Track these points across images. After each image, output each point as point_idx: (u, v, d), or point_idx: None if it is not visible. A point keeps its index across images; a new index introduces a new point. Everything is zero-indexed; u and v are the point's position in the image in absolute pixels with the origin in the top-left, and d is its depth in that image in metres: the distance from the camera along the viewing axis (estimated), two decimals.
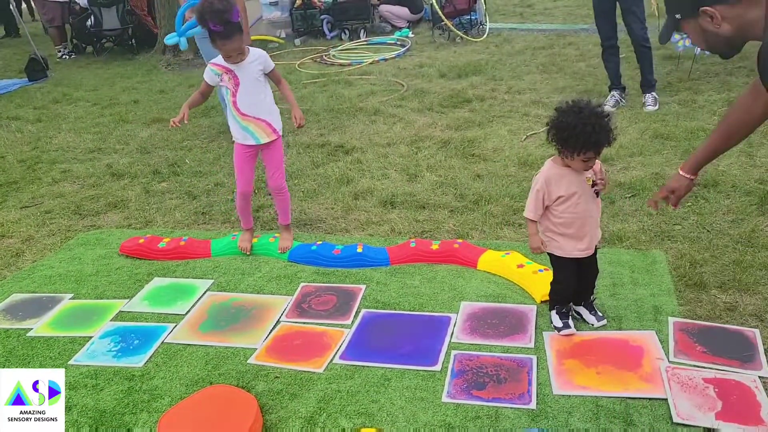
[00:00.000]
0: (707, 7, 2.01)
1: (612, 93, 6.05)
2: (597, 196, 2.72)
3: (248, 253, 3.81)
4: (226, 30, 3.29)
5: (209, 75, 3.53)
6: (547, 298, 3.11)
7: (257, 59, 3.51)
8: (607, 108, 5.83)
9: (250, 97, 3.51)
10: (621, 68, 6.10)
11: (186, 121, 3.57)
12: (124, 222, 4.49)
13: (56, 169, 5.58)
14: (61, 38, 11.37)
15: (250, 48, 3.53)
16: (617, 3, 5.65)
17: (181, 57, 10.02)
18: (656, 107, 5.80)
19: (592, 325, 2.92)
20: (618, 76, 6.05)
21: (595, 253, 2.84)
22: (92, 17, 10.85)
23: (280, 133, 3.69)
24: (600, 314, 2.95)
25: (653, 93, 5.96)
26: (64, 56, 11.07)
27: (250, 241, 3.85)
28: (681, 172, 2.61)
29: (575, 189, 2.64)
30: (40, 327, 3.25)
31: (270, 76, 3.61)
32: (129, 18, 10.94)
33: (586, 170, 2.62)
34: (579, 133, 2.47)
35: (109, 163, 5.64)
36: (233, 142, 3.73)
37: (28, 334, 3.20)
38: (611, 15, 5.77)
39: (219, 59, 3.48)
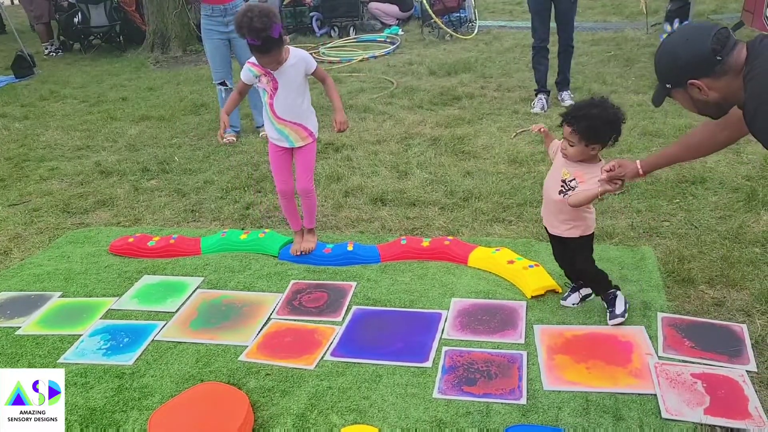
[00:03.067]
0: (694, 80, 2.13)
1: (539, 96, 6.17)
2: (560, 194, 2.75)
3: (298, 254, 3.66)
4: (264, 45, 3.14)
5: (246, 75, 3.39)
6: (537, 293, 3.14)
7: (298, 61, 3.34)
8: (536, 111, 6.03)
9: (288, 101, 3.37)
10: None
11: (227, 127, 3.50)
12: (112, 220, 4.46)
13: (44, 167, 5.54)
14: (49, 35, 11.28)
15: (290, 48, 3.36)
16: (553, 4, 5.80)
17: (169, 54, 9.98)
18: (574, 101, 6.07)
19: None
20: (546, 79, 6.20)
21: (573, 244, 2.87)
22: (80, 14, 10.77)
23: (316, 137, 3.56)
24: (613, 309, 2.91)
25: (569, 90, 6.22)
26: (51, 53, 10.98)
27: (301, 243, 3.71)
28: (638, 164, 2.66)
29: (552, 166, 2.81)
30: (28, 325, 3.23)
31: (314, 76, 3.45)
32: (117, 15, 10.86)
33: (563, 149, 2.72)
34: (581, 117, 2.62)
35: (98, 160, 5.61)
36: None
37: (17, 333, 3.17)
38: (547, 16, 5.89)
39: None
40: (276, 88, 3.34)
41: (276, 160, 3.57)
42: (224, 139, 5.78)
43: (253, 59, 3.35)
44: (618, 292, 2.94)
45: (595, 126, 2.61)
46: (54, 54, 11.00)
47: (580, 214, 2.78)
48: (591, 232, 2.87)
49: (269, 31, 3.10)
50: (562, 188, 2.74)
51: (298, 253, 3.68)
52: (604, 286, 2.94)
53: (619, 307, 2.91)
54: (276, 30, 3.13)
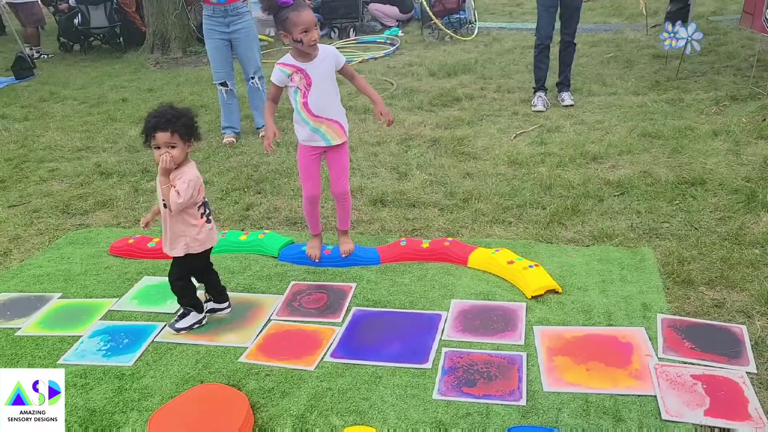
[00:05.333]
0: None
1: (538, 94, 6.20)
2: (165, 207, 2.86)
3: (317, 260, 3.62)
4: (296, 1, 3.03)
5: (278, 76, 3.23)
6: (537, 293, 3.14)
7: (328, 56, 3.26)
8: (539, 109, 6.05)
9: (323, 96, 3.25)
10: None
11: (278, 139, 3.33)
12: (112, 221, 4.46)
13: (44, 168, 5.54)
14: (39, 39, 11.26)
15: (319, 45, 3.25)
16: (560, 2, 5.81)
17: (169, 56, 10.00)
18: (574, 103, 6.14)
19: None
20: (545, 79, 6.22)
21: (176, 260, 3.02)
22: (80, 15, 10.78)
23: (347, 137, 3.45)
24: (176, 321, 3.13)
25: (570, 91, 6.24)
26: (42, 55, 10.93)
27: (319, 247, 3.66)
28: None
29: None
30: (28, 326, 3.23)
31: (342, 72, 3.35)
32: (117, 16, 10.87)
33: (166, 161, 2.76)
34: (173, 118, 2.76)
35: (98, 161, 5.61)
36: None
37: (17, 334, 3.17)
38: (555, 14, 5.91)
39: (287, 58, 3.23)
40: (310, 85, 3.23)
41: (308, 164, 3.43)
42: (225, 140, 5.84)
43: (283, 59, 3.26)
44: (192, 312, 3.11)
45: (188, 122, 2.79)
46: (45, 56, 10.94)
47: (186, 231, 2.91)
48: (194, 252, 2.97)
49: None
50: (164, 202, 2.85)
51: (317, 259, 3.63)
52: (184, 302, 3.12)
53: (183, 323, 3.10)
54: None
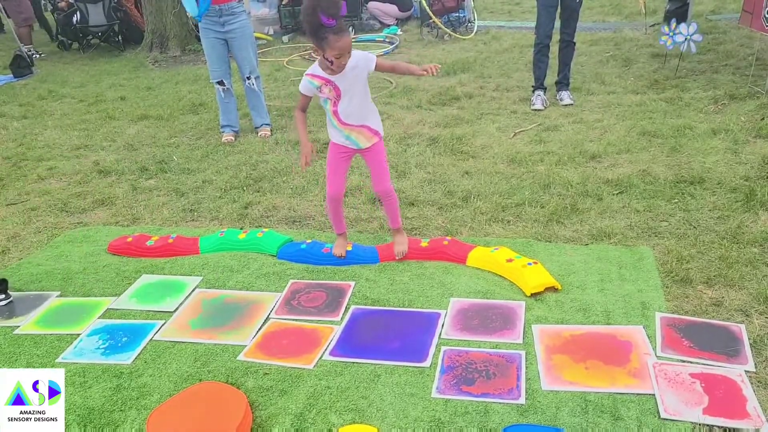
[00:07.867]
0: None
1: (537, 93, 6.20)
2: None
3: (343, 257, 3.60)
4: (339, 24, 2.95)
5: (306, 86, 3.22)
6: (536, 290, 3.13)
7: (358, 62, 3.19)
8: (538, 107, 6.05)
9: (352, 106, 3.25)
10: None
11: (315, 156, 3.32)
12: (111, 219, 4.46)
13: (42, 166, 5.53)
14: (31, 38, 11.22)
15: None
16: (560, 1, 5.82)
17: (168, 54, 9.98)
18: (573, 102, 6.13)
19: None
20: (545, 77, 6.21)
21: None
22: (78, 13, 10.76)
23: (381, 134, 3.43)
24: None
25: (569, 90, 6.24)
26: (35, 54, 10.89)
27: (344, 246, 3.63)
28: None
29: None
30: (26, 325, 3.23)
31: (379, 70, 3.28)
32: (116, 14, 10.85)
33: None
34: None
35: (96, 160, 5.60)
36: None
37: (15, 332, 3.17)
38: (554, 13, 5.91)
39: (316, 69, 3.19)
40: (339, 96, 3.22)
41: (336, 162, 3.45)
42: (224, 139, 5.83)
43: (311, 70, 3.23)
44: None
45: None
46: (37, 55, 10.91)
47: None
48: None
49: (341, 7, 2.98)
50: None
51: (342, 257, 3.61)
52: None
53: None
54: (344, 8, 3.02)
